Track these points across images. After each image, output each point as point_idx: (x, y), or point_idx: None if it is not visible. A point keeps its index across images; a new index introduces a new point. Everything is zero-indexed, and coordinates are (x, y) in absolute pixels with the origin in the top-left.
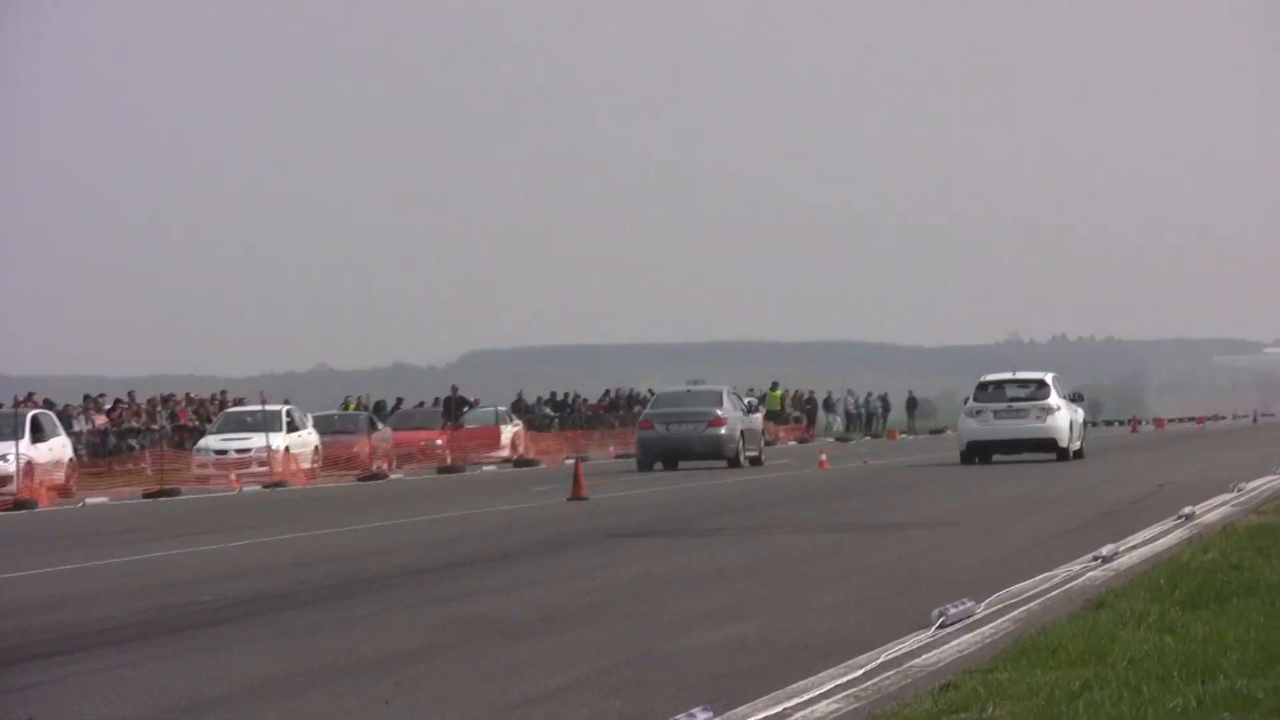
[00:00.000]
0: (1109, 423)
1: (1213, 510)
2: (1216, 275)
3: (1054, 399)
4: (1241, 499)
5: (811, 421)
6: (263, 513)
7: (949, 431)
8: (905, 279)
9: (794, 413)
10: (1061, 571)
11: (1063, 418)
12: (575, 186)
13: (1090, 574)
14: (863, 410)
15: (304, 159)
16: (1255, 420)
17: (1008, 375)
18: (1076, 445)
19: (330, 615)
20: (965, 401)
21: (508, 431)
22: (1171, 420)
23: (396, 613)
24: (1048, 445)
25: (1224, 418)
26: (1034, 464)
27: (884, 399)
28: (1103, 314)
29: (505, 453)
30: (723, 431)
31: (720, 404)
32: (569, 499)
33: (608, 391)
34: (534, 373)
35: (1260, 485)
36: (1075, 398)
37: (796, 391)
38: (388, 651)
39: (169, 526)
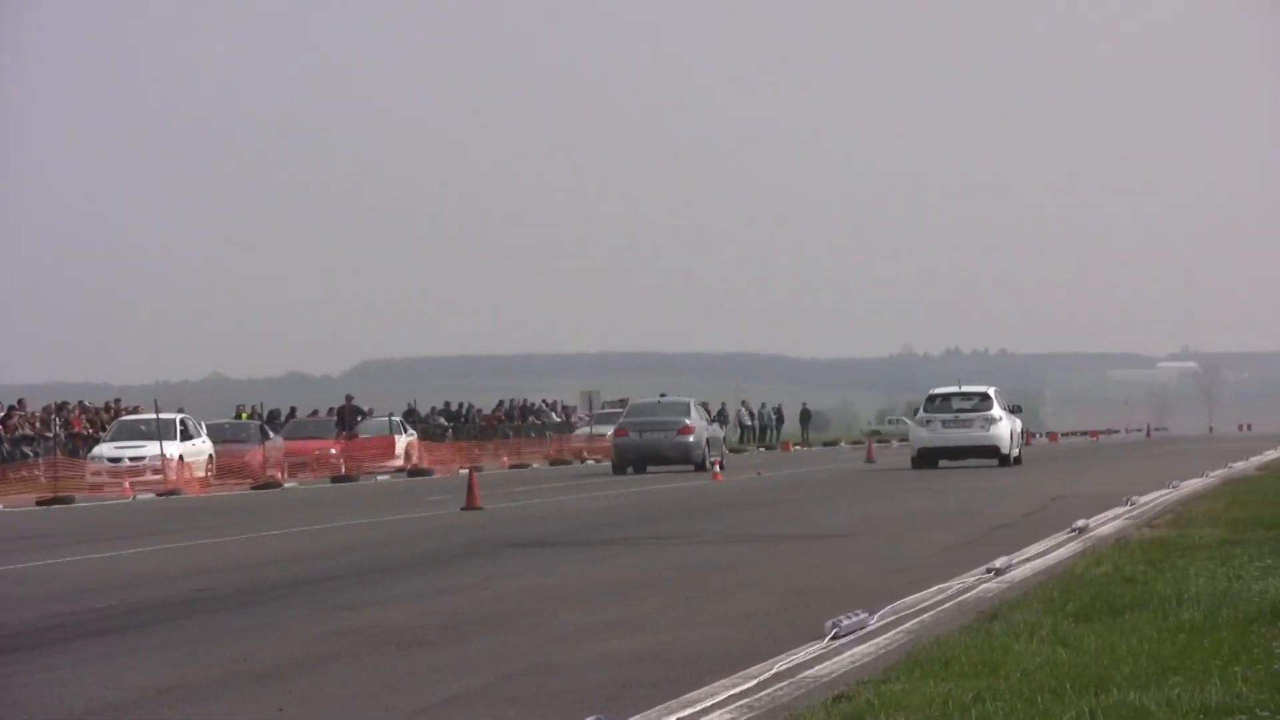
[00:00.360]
0: None
1: (1106, 524)
2: (1111, 290)
3: (996, 410)
4: (1134, 513)
5: None
6: (157, 521)
7: (843, 444)
8: (799, 291)
9: None
10: (955, 583)
11: (1004, 427)
12: (467, 197)
13: (984, 586)
14: (756, 422)
15: (200, 166)
16: (1149, 434)
17: (954, 389)
18: (1016, 452)
19: (226, 623)
20: (916, 412)
21: (402, 441)
22: (1065, 434)
23: (291, 621)
24: (991, 452)
25: (1118, 431)
26: (932, 477)
27: (778, 411)
28: (997, 327)
29: (399, 462)
30: (691, 439)
31: (689, 414)
32: (463, 509)
33: (501, 402)
34: (428, 383)
35: (1153, 499)
36: (1014, 409)
37: None
38: (283, 660)
39: (63, 534)
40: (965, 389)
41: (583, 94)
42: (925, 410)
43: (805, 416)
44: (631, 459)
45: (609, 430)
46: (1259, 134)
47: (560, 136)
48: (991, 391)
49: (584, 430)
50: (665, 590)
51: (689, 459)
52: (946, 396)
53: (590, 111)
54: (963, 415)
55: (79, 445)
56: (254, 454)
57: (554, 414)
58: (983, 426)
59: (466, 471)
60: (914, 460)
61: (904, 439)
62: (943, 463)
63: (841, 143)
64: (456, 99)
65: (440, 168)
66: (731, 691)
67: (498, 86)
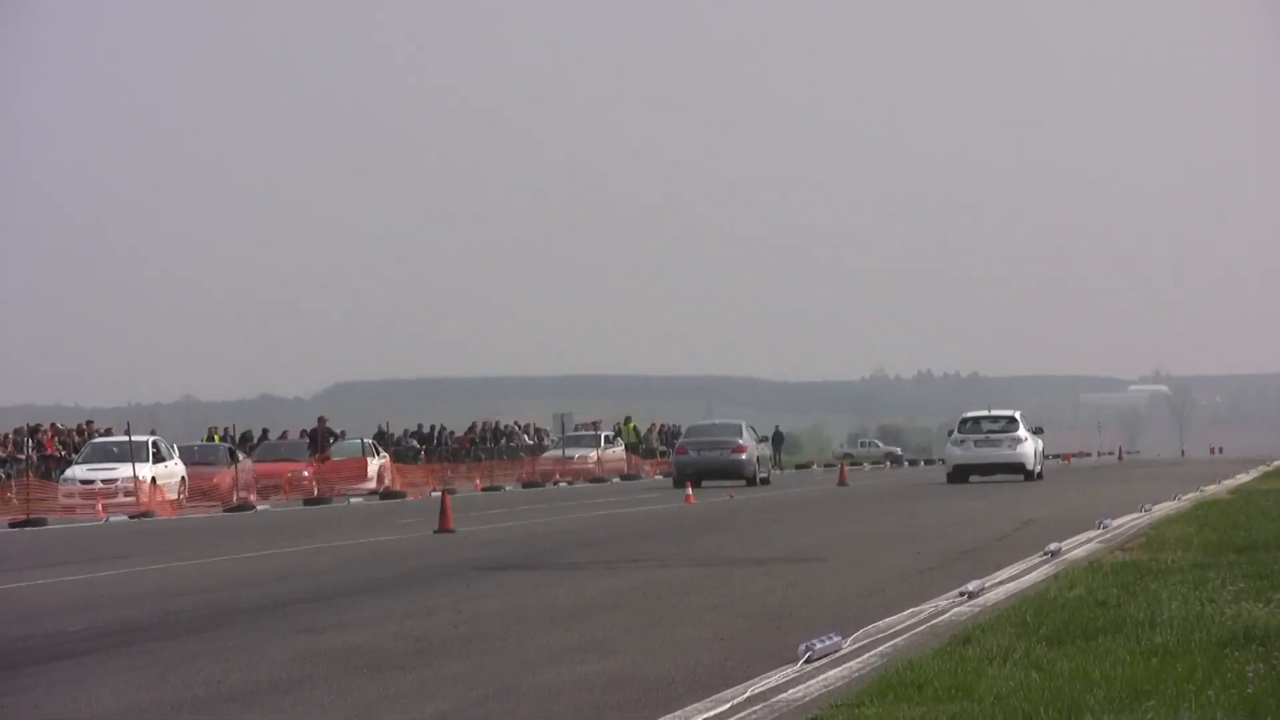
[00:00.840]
0: None
1: (1079, 547)
2: (1082, 313)
3: (1022, 431)
4: (1107, 536)
5: None
6: (130, 543)
7: (815, 466)
8: (771, 314)
9: (660, 447)
10: (928, 607)
11: (1029, 446)
12: (441, 219)
13: (957, 609)
14: None
15: (169, 188)
16: (1120, 457)
17: (985, 412)
18: (1039, 468)
19: (198, 646)
20: (950, 433)
21: (374, 463)
22: None
23: (265, 644)
24: (1018, 468)
25: (1089, 454)
26: (904, 500)
27: None
28: (968, 350)
29: (372, 485)
30: (744, 457)
31: (741, 435)
32: (436, 531)
33: (474, 424)
34: (400, 405)
35: (1126, 522)
36: (1037, 430)
37: (663, 425)
38: (256, 682)
39: (36, 556)
40: (995, 412)
41: (558, 107)
42: (959, 431)
43: (777, 439)
44: (690, 474)
45: (579, 453)
46: (1229, 160)
47: (535, 154)
48: (1018, 415)
49: (554, 452)
50: (636, 613)
51: (741, 474)
52: (978, 419)
53: (565, 130)
54: (993, 435)
55: (51, 467)
56: (222, 476)
57: (526, 436)
58: (1010, 446)
59: (439, 494)
60: (949, 475)
61: (876, 461)
62: (973, 478)
63: (814, 164)
64: (424, 115)
65: (411, 189)
66: (705, 715)
67: (465, 104)
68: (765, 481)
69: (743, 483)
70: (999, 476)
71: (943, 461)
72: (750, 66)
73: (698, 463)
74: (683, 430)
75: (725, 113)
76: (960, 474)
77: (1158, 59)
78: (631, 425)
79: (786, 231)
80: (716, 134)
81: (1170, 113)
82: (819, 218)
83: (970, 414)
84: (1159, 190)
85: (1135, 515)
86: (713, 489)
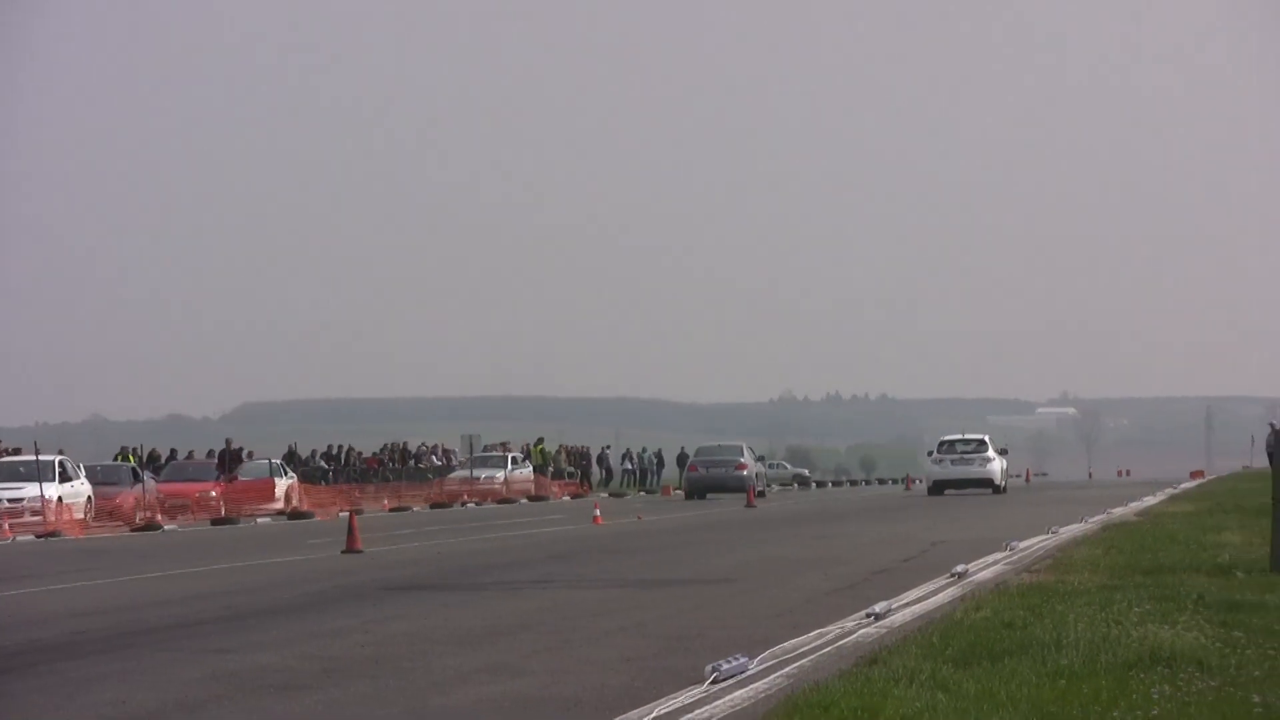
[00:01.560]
0: (883, 481)
1: (986, 569)
2: (990, 336)
3: (990, 452)
4: (1014, 558)
5: (586, 477)
6: (37, 563)
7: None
8: (680, 336)
9: (568, 468)
10: (835, 628)
11: (997, 465)
12: (350, 236)
13: (863, 631)
14: (637, 466)
15: (75, 206)
16: (1028, 480)
17: (959, 436)
18: (1004, 483)
19: (106, 666)
20: (930, 453)
21: (282, 484)
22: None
23: (173, 664)
24: (987, 483)
25: None
26: (811, 524)
27: (659, 455)
28: (877, 373)
29: (279, 505)
30: (745, 473)
31: (743, 455)
32: (343, 552)
33: (383, 445)
34: (309, 426)
35: (1033, 544)
36: (1002, 451)
37: (571, 447)
38: (163, 702)
39: None
40: (967, 436)
41: (469, 130)
42: (938, 452)
43: (685, 461)
44: (701, 488)
45: (486, 473)
46: (1133, 186)
47: (446, 178)
48: (987, 438)
49: (462, 473)
50: (543, 634)
51: (743, 488)
52: (953, 442)
53: (477, 153)
54: (966, 455)
55: None
56: (125, 497)
57: (435, 457)
58: (981, 465)
59: (347, 514)
60: (929, 489)
61: (785, 483)
62: (949, 492)
63: (723, 187)
64: (336, 136)
65: (320, 211)
66: None
67: (372, 127)
68: (762, 495)
69: (744, 495)
70: (970, 490)
71: (851, 483)
72: (666, 91)
73: (706, 479)
74: (693, 453)
75: (635, 139)
76: (938, 488)
77: (1074, 87)
78: (540, 447)
79: (695, 254)
80: (627, 159)
81: (1075, 141)
82: (728, 241)
83: (946, 437)
84: (1064, 215)
85: (1043, 538)
86: (716, 500)
